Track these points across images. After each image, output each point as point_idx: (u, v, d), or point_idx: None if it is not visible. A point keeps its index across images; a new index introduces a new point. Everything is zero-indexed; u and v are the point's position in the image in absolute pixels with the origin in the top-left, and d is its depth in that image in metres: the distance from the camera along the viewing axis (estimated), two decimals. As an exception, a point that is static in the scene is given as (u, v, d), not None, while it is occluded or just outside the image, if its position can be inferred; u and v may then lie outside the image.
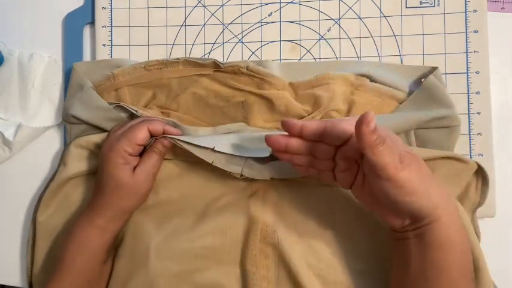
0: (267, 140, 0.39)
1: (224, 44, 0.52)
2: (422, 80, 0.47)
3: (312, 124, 0.37)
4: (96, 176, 0.46)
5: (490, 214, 0.48)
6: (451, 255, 0.35)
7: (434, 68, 0.48)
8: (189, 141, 0.45)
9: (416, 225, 0.36)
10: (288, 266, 0.43)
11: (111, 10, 0.53)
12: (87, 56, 0.54)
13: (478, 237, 0.46)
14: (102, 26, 0.53)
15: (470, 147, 0.49)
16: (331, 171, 0.39)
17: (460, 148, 0.48)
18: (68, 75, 0.52)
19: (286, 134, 0.39)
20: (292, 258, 0.43)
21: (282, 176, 0.45)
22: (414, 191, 0.34)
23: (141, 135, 0.44)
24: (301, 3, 0.51)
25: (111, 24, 0.53)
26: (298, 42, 0.51)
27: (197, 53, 0.52)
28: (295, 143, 0.39)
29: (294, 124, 0.38)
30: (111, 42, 0.53)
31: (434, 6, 0.50)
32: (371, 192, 0.36)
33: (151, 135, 0.45)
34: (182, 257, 0.44)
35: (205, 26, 0.52)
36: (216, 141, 0.45)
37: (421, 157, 0.37)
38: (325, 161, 0.38)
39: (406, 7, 0.50)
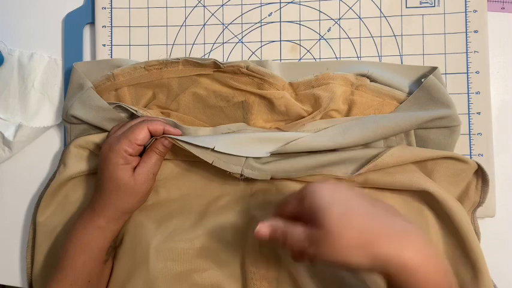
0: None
1: (224, 44, 0.52)
2: (423, 80, 0.47)
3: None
4: (97, 176, 0.46)
5: (490, 214, 0.48)
6: None
7: (434, 68, 0.48)
8: (189, 141, 0.45)
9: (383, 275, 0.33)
10: (288, 267, 0.43)
11: (111, 10, 0.53)
12: (87, 56, 0.54)
13: (478, 237, 0.46)
14: (102, 26, 0.53)
15: (470, 147, 0.49)
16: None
17: (460, 148, 0.48)
18: (68, 75, 0.52)
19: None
20: (290, 258, 0.43)
21: (281, 176, 0.45)
22: (338, 264, 0.31)
23: (141, 135, 0.44)
24: (301, 3, 0.51)
25: (111, 24, 0.53)
26: (298, 42, 0.51)
27: (197, 53, 0.52)
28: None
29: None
30: (111, 42, 0.53)
31: (434, 6, 0.50)
32: None
33: (152, 136, 0.45)
34: (182, 257, 0.45)
35: (205, 26, 0.52)
36: (216, 141, 0.45)
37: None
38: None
39: (406, 7, 0.50)
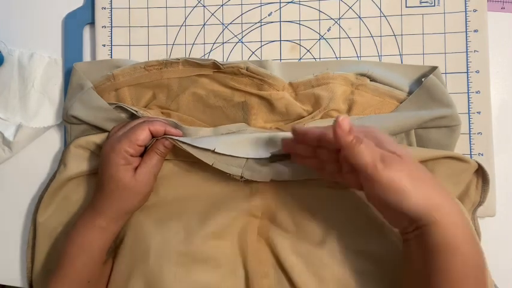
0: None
1: (224, 44, 0.52)
2: (423, 79, 0.47)
3: (311, 130, 0.39)
4: (97, 176, 0.46)
5: (490, 214, 0.48)
6: (452, 257, 0.34)
7: (434, 68, 0.48)
8: (189, 142, 0.45)
9: (414, 226, 0.36)
10: (286, 267, 0.43)
11: (111, 10, 0.53)
12: (87, 56, 0.54)
13: (479, 236, 0.46)
14: (102, 26, 0.53)
15: (470, 146, 0.49)
16: (339, 174, 0.39)
17: (460, 147, 0.48)
18: (68, 75, 0.52)
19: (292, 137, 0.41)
20: (290, 259, 0.43)
21: (281, 178, 0.45)
22: (399, 190, 0.34)
23: (142, 136, 0.44)
24: (301, 3, 0.51)
25: (111, 24, 0.53)
26: (298, 42, 0.51)
27: (197, 53, 0.52)
28: (301, 147, 0.41)
29: (296, 131, 0.40)
30: (111, 42, 0.53)
31: (434, 5, 0.50)
32: None
33: (153, 136, 0.45)
34: (182, 258, 0.44)
35: (205, 26, 0.52)
36: (217, 142, 0.45)
37: (416, 157, 0.38)
38: (331, 164, 0.39)
39: (406, 7, 0.50)
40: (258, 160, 0.45)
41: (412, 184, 0.34)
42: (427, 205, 0.34)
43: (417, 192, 0.34)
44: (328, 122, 0.47)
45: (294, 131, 0.41)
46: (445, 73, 0.49)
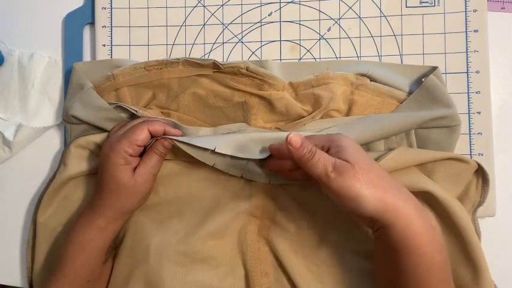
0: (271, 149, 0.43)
1: (224, 44, 0.52)
2: (423, 79, 0.47)
3: (272, 148, 0.43)
4: (97, 176, 0.46)
5: (490, 214, 0.48)
6: (412, 258, 0.36)
7: (434, 68, 0.48)
8: (189, 142, 0.45)
9: (375, 227, 0.37)
10: (285, 266, 0.43)
11: (111, 10, 0.53)
12: (87, 56, 0.54)
13: (479, 236, 0.46)
14: (102, 26, 0.53)
15: (470, 146, 0.49)
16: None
17: (460, 148, 0.48)
18: (68, 75, 0.52)
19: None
20: (289, 259, 0.43)
21: (280, 180, 0.45)
22: (352, 197, 0.36)
23: (142, 136, 0.44)
24: (301, 3, 0.51)
25: (111, 24, 0.53)
26: (298, 42, 0.51)
27: (197, 53, 0.52)
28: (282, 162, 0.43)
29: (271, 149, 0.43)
30: (111, 42, 0.53)
31: (434, 5, 0.50)
32: None
33: (152, 136, 0.45)
34: (182, 257, 0.44)
35: (205, 26, 0.52)
36: (217, 142, 0.45)
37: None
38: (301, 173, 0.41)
39: (406, 7, 0.50)
40: (258, 162, 0.45)
41: (364, 189, 0.35)
42: (381, 209, 0.35)
43: (370, 197, 0.35)
44: (328, 122, 0.47)
45: (270, 150, 0.43)
46: (445, 73, 0.49)
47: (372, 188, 0.36)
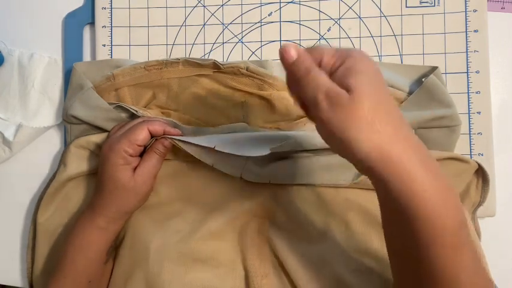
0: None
1: (224, 44, 0.52)
2: (423, 79, 0.47)
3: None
4: (97, 176, 0.46)
5: (490, 214, 0.48)
6: (413, 222, 0.28)
7: (434, 68, 0.48)
8: (189, 141, 0.45)
9: (370, 178, 0.30)
10: (286, 266, 0.43)
11: (111, 10, 0.53)
12: (87, 56, 0.54)
13: (479, 236, 0.46)
14: (102, 26, 0.53)
15: (470, 146, 0.49)
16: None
17: (460, 148, 0.48)
18: (68, 75, 0.52)
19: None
20: (290, 259, 0.43)
21: (280, 180, 0.45)
22: (339, 137, 0.28)
23: (142, 136, 0.44)
24: (301, 3, 0.51)
25: (111, 24, 0.53)
26: (298, 42, 0.51)
27: (197, 53, 0.52)
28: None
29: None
30: (111, 42, 0.53)
31: (434, 5, 0.50)
32: None
33: (152, 136, 0.45)
34: (182, 257, 0.45)
35: (205, 26, 0.52)
36: (217, 141, 0.45)
37: (384, 97, 0.29)
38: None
39: (406, 7, 0.50)
40: (257, 161, 0.45)
41: (359, 131, 0.27)
42: (376, 159, 0.28)
43: (365, 142, 0.27)
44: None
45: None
46: (445, 73, 0.49)
47: (371, 131, 0.27)
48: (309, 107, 0.30)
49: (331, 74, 0.30)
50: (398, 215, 0.29)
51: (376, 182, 0.30)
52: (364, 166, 0.29)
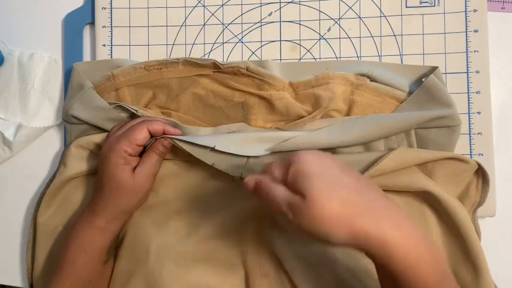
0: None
1: (224, 44, 0.52)
2: (423, 79, 0.47)
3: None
4: (96, 176, 0.46)
5: (490, 214, 0.48)
6: (401, 282, 0.31)
7: (434, 68, 0.48)
8: (189, 140, 0.45)
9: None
10: (286, 266, 0.43)
11: (111, 10, 0.53)
12: (87, 56, 0.54)
13: (479, 236, 0.46)
14: (102, 26, 0.53)
15: (470, 146, 0.49)
16: None
17: (460, 148, 0.48)
18: (68, 75, 0.52)
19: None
20: (290, 258, 0.43)
21: None
22: (314, 236, 0.31)
23: (141, 135, 0.44)
24: (301, 3, 0.51)
25: (111, 24, 0.53)
26: (298, 42, 0.51)
27: (197, 53, 0.52)
28: None
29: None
30: (111, 42, 0.53)
31: (434, 5, 0.50)
32: None
33: (151, 136, 0.45)
34: (182, 258, 0.45)
35: (205, 26, 0.52)
36: (217, 140, 0.45)
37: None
38: None
39: (406, 7, 0.50)
40: (258, 161, 0.45)
41: (325, 225, 0.30)
42: (352, 239, 0.31)
43: (335, 233, 0.30)
44: (328, 122, 0.47)
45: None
46: (445, 73, 0.49)
47: (335, 222, 0.30)
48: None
49: (286, 183, 0.33)
50: (386, 278, 0.33)
51: (365, 254, 0.32)
52: (347, 247, 0.31)
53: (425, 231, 0.33)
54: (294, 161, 0.33)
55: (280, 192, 0.33)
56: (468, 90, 0.49)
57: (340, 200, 0.31)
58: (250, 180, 0.35)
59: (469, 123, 0.49)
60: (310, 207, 0.31)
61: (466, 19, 0.49)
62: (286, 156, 0.34)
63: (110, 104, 0.49)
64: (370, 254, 0.32)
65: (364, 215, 0.31)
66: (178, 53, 0.52)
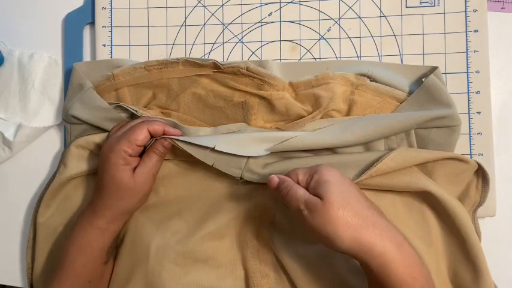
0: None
1: (224, 44, 0.52)
2: (423, 79, 0.47)
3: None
4: (97, 176, 0.46)
5: (490, 214, 0.48)
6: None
7: (434, 68, 0.48)
8: (189, 141, 0.45)
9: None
10: (285, 266, 0.43)
11: (111, 10, 0.53)
12: (87, 56, 0.54)
13: (479, 236, 0.46)
14: (102, 26, 0.53)
15: (470, 146, 0.49)
16: None
17: (460, 148, 0.48)
18: (68, 75, 0.52)
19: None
20: (290, 258, 0.43)
21: None
22: (324, 236, 0.35)
23: (141, 136, 0.44)
24: (301, 3, 0.51)
25: (111, 24, 0.53)
26: (298, 42, 0.51)
27: (197, 53, 0.52)
28: None
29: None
30: (111, 42, 0.53)
31: (434, 5, 0.50)
32: None
33: (152, 136, 0.45)
34: (182, 258, 0.45)
35: (205, 26, 0.52)
36: (217, 140, 0.45)
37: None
38: None
39: (406, 7, 0.50)
40: (258, 161, 0.45)
41: (336, 229, 0.35)
42: (355, 248, 0.35)
43: (343, 237, 0.35)
44: (328, 122, 0.47)
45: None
46: (445, 73, 0.49)
47: (345, 227, 0.35)
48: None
49: (307, 188, 0.38)
50: (378, 284, 0.36)
51: (360, 263, 0.36)
52: (347, 254, 0.35)
53: (417, 253, 0.38)
54: (320, 170, 0.38)
55: (301, 191, 0.37)
56: (468, 90, 0.49)
57: (353, 210, 0.36)
58: (274, 177, 0.40)
59: (469, 123, 0.49)
60: (326, 207, 0.35)
61: (466, 19, 0.49)
62: (312, 166, 0.40)
63: (110, 104, 0.49)
64: (365, 264, 0.35)
65: (372, 229, 0.35)
66: (178, 53, 0.52)
